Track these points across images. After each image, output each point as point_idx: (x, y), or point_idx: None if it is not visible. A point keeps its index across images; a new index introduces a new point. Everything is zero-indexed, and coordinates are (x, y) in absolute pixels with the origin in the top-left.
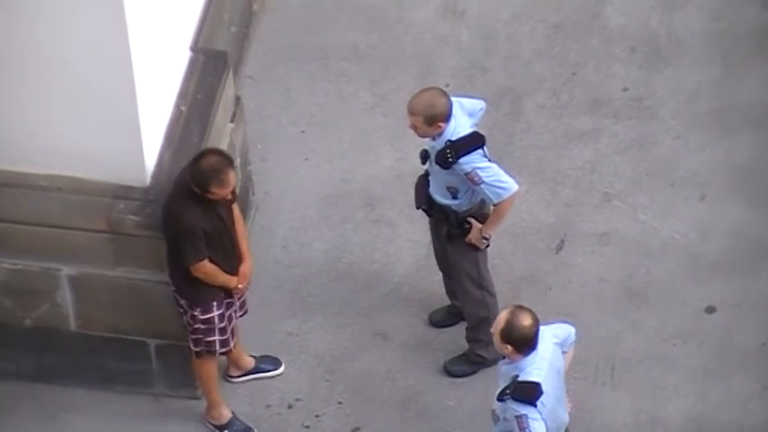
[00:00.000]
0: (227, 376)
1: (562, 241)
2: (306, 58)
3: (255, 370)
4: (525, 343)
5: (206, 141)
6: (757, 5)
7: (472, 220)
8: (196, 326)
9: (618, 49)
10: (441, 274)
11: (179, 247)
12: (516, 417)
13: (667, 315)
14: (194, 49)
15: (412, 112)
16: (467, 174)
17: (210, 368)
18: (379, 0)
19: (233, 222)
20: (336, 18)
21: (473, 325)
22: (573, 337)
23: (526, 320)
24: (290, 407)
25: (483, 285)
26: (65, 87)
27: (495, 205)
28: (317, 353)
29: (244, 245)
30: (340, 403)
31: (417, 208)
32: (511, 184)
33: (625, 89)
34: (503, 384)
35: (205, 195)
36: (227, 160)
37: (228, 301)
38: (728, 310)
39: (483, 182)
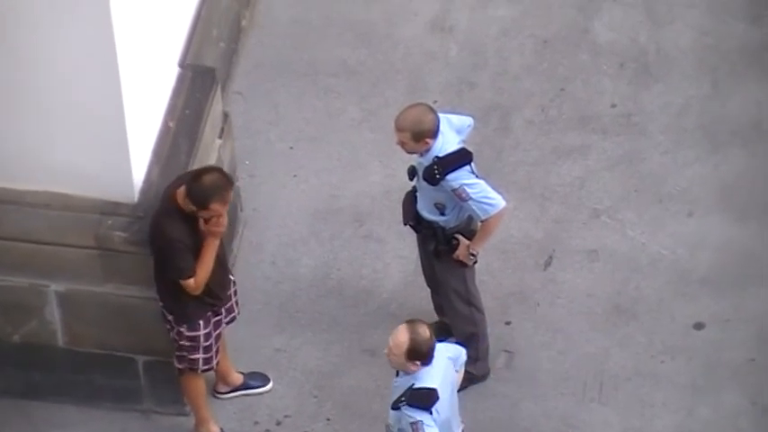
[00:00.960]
0: (214, 392)
1: (550, 257)
2: (294, 74)
3: (244, 386)
4: (430, 354)
5: (194, 157)
6: (746, 21)
7: (460, 237)
8: (181, 342)
9: (606, 64)
10: (429, 290)
11: (168, 262)
12: (411, 423)
13: (656, 331)
14: (182, 65)
15: (399, 129)
16: (454, 190)
17: (198, 385)
18: (368, 15)
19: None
20: (325, 34)
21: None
22: (464, 357)
23: (426, 332)
24: (278, 423)
25: (471, 302)
26: (52, 104)
27: (482, 222)
28: (305, 369)
29: None
30: (328, 420)
31: (405, 224)
32: (498, 201)
33: (614, 105)
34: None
35: (200, 212)
36: (228, 178)
37: (216, 320)
38: (717, 325)
39: (470, 198)
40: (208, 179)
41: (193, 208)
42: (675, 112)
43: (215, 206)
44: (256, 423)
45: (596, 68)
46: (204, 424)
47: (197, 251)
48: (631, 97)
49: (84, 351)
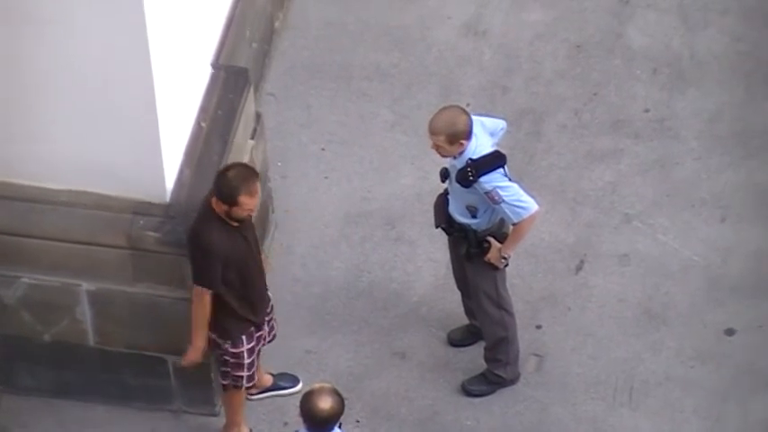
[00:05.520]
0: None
1: (582, 261)
2: (327, 76)
3: (274, 387)
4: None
5: (226, 158)
6: None
7: (491, 240)
8: (225, 358)
9: (640, 69)
10: (460, 293)
11: (195, 266)
12: None
13: (687, 337)
14: (216, 65)
15: (433, 132)
16: (487, 193)
17: (241, 397)
18: (402, 19)
19: (257, 243)
20: (358, 36)
21: (491, 345)
22: None
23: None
24: None
25: (501, 305)
26: (86, 103)
27: (514, 225)
28: (335, 371)
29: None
30: (358, 422)
31: (437, 227)
32: (531, 204)
33: (646, 110)
34: None
35: (232, 210)
36: (252, 170)
37: (259, 335)
38: (748, 332)
39: (503, 201)
40: (231, 173)
41: (225, 207)
42: (708, 117)
43: (243, 199)
44: (286, 424)
45: (629, 73)
46: (235, 426)
47: (236, 257)
48: (664, 102)
49: (115, 351)
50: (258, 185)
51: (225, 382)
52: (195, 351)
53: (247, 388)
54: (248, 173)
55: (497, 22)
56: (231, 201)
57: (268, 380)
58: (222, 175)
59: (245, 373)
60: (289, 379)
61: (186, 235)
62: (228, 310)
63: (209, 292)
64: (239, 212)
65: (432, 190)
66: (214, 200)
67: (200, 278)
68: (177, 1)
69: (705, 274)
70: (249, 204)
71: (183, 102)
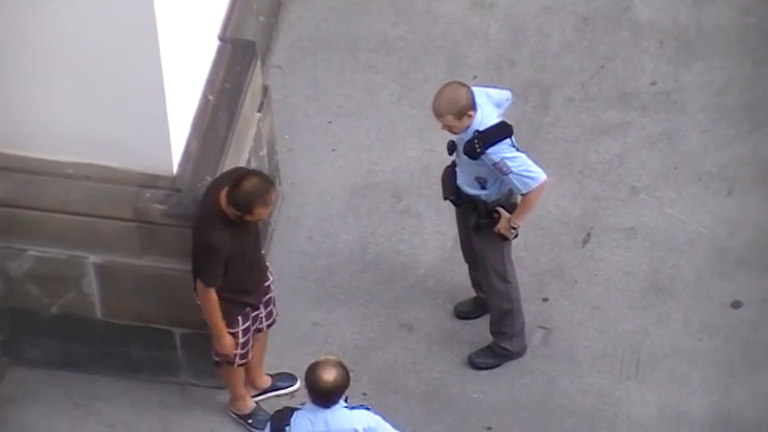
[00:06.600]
0: None
1: (588, 234)
2: (334, 49)
3: (273, 388)
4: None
5: (233, 131)
6: None
7: (501, 210)
8: None
9: (647, 42)
10: (466, 265)
11: (199, 264)
12: None
13: (693, 309)
14: (222, 38)
15: (439, 115)
16: (495, 164)
17: (237, 372)
18: None
19: (258, 234)
20: (365, 9)
21: (496, 317)
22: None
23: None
24: None
25: (507, 278)
26: (92, 76)
27: (523, 195)
28: (341, 343)
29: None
30: (364, 394)
31: (445, 199)
32: (539, 174)
33: (653, 83)
34: None
35: (245, 217)
36: (267, 180)
37: (255, 314)
38: (755, 304)
39: (511, 172)
40: (248, 185)
41: (238, 213)
42: (715, 90)
43: (259, 210)
44: (293, 397)
45: (636, 46)
46: (241, 400)
47: (237, 256)
48: (671, 75)
49: (122, 323)
50: (273, 194)
51: (217, 359)
52: (226, 344)
53: (240, 365)
54: (264, 185)
55: None
56: (247, 211)
57: (267, 381)
58: (238, 185)
59: (238, 351)
60: (287, 378)
61: (193, 229)
62: (224, 295)
63: (213, 288)
64: (252, 219)
65: (438, 163)
66: (224, 203)
67: (204, 276)
68: None
69: (712, 247)
70: (264, 213)
71: (189, 74)
